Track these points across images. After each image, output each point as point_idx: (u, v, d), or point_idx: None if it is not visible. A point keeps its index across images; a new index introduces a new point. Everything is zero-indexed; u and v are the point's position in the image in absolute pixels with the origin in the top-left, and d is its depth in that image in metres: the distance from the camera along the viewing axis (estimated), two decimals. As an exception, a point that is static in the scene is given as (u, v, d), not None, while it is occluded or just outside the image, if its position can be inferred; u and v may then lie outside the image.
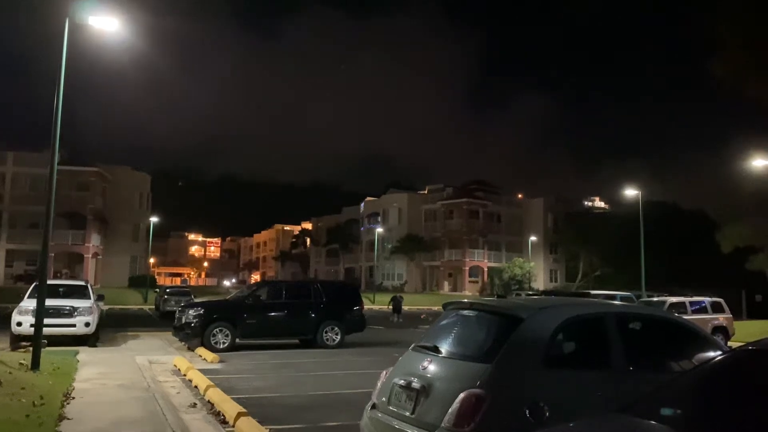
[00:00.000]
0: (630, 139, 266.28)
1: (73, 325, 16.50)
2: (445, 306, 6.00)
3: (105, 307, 22.59)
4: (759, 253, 37.42)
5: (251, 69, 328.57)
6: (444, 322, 5.72)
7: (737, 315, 29.24)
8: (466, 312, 5.62)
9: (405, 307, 37.30)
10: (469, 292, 63.18)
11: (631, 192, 36.84)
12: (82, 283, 19.87)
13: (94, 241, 55.47)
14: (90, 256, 54.92)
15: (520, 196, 79.14)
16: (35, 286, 14.70)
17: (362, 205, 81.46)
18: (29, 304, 15.17)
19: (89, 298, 17.56)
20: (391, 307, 34.37)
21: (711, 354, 4.80)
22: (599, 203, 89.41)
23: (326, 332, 18.25)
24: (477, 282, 67.17)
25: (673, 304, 21.67)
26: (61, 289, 17.98)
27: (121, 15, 13.13)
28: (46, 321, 13.11)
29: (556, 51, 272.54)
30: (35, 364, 11.16)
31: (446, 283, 68.91)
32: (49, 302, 14.18)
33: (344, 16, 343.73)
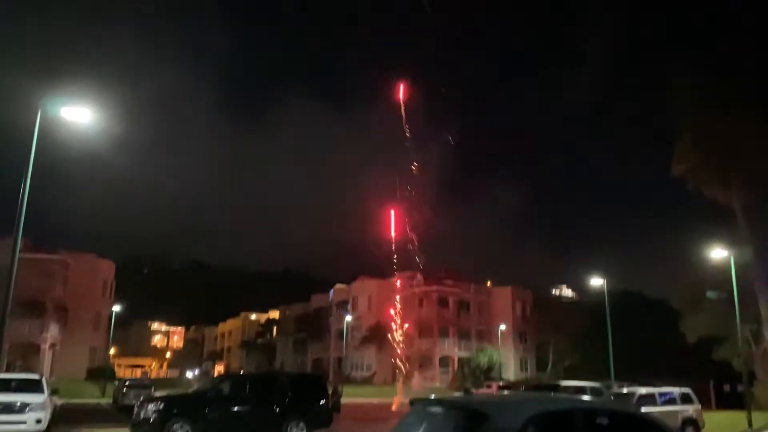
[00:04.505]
0: (596, 229, 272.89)
1: (23, 422, 15.74)
2: (411, 402, 5.94)
3: (59, 402, 21.57)
4: (724, 342, 37.85)
5: (223, 156, 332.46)
6: (411, 419, 5.64)
7: (706, 405, 29.15)
8: (432, 408, 5.56)
9: (374, 401, 36.25)
10: (439, 384, 61.99)
11: (597, 281, 37.41)
12: (35, 376, 19.08)
13: (52, 331, 53.57)
14: (47, 347, 52.85)
15: (488, 283, 79.50)
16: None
17: (331, 292, 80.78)
18: (-22, 399, 14.46)
19: (42, 393, 16.87)
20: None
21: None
22: (567, 291, 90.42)
23: (291, 428, 17.65)
24: (447, 373, 66.08)
25: (642, 396, 21.54)
26: (12, 383, 17.34)
27: (93, 103, 13.34)
28: (-5, 418, 12.48)
29: (524, 144, 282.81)
30: (-21, 466, 10.52)
31: (416, 374, 67.57)
32: None
33: (323, 107, 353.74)
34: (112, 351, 76.98)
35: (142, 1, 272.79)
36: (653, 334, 58.32)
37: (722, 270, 31.22)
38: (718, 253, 28.03)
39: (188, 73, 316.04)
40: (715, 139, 34.76)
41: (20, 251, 12.81)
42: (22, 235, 12.44)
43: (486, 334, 68.81)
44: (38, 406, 16.12)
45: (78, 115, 12.84)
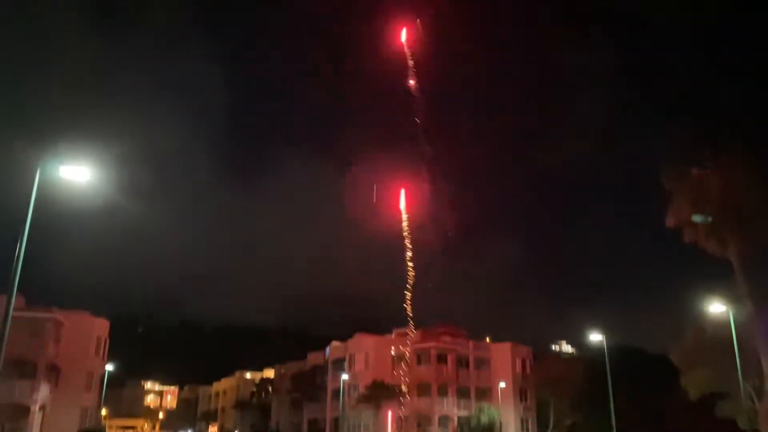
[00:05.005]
0: (595, 283, 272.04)
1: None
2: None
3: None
4: (726, 399, 37.19)
5: (219, 212, 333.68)
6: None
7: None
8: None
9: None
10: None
11: (596, 337, 37.02)
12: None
13: (43, 392, 52.33)
14: (37, 408, 51.55)
15: (487, 339, 78.57)
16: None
17: (327, 350, 79.61)
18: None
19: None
20: None
21: None
22: (566, 347, 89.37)
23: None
24: (447, 432, 64.56)
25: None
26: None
27: (90, 161, 13.43)
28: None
29: (523, 200, 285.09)
30: None
31: (415, 434, 65.97)
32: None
33: (323, 164, 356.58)
34: (104, 412, 75.29)
35: (143, 63, 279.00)
36: (656, 391, 57.39)
37: (723, 324, 30.99)
38: (716, 308, 27.88)
39: (187, 130, 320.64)
40: (709, 194, 35.02)
41: (13, 309, 12.69)
42: (16, 292, 12.35)
43: (485, 392, 67.50)
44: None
45: (76, 173, 12.96)
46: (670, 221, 36.40)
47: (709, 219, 31.09)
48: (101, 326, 62.71)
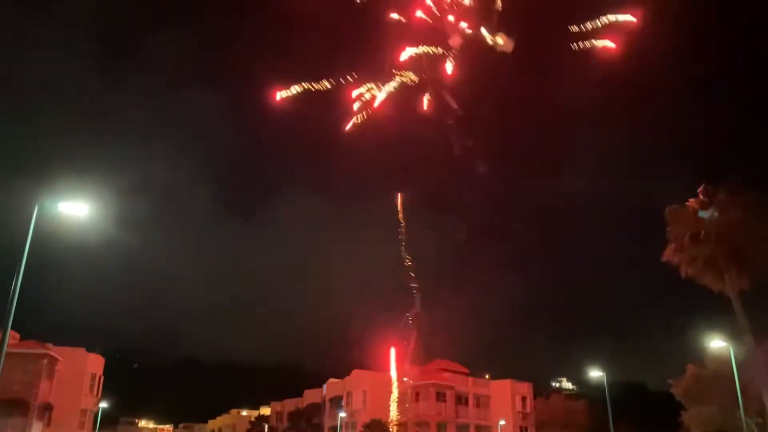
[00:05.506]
0: (597, 319, 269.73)
1: None
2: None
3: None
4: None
5: (215, 248, 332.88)
6: None
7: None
8: None
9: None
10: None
11: (596, 373, 36.70)
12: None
13: (35, 430, 51.46)
14: (28, 447, 50.62)
15: (487, 376, 77.71)
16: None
17: (325, 387, 78.54)
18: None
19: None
20: None
21: None
22: (566, 384, 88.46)
23: None
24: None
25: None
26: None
27: (90, 197, 13.46)
28: None
29: (523, 234, 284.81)
30: None
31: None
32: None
33: (321, 201, 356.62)
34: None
35: (143, 95, 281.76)
36: (657, 427, 56.62)
37: (724, 360, 30.75)
38: (717, 344, 27.71)
39: (183, 167, 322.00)
40: (707, 227, 34.97)
41: (7, 345, 12.56)
42: (10, 328, 12.25)
43: (486, 430, 66.45)
44: None
45: (75, 209, 12.98)
46: (667, 256, 36.27)
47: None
48: (96, 363, 61.96)
